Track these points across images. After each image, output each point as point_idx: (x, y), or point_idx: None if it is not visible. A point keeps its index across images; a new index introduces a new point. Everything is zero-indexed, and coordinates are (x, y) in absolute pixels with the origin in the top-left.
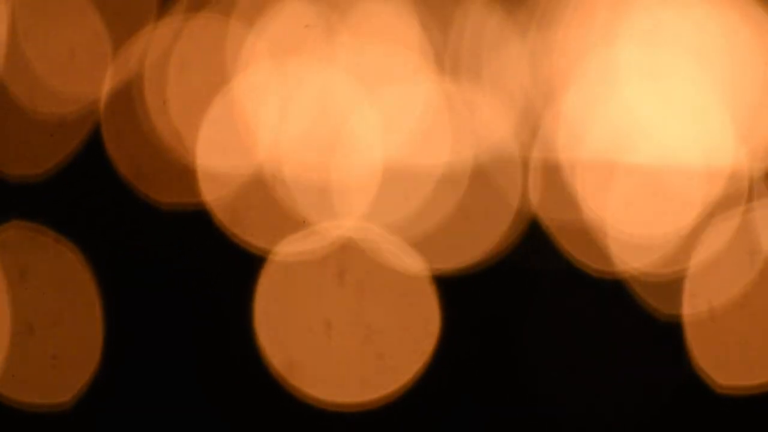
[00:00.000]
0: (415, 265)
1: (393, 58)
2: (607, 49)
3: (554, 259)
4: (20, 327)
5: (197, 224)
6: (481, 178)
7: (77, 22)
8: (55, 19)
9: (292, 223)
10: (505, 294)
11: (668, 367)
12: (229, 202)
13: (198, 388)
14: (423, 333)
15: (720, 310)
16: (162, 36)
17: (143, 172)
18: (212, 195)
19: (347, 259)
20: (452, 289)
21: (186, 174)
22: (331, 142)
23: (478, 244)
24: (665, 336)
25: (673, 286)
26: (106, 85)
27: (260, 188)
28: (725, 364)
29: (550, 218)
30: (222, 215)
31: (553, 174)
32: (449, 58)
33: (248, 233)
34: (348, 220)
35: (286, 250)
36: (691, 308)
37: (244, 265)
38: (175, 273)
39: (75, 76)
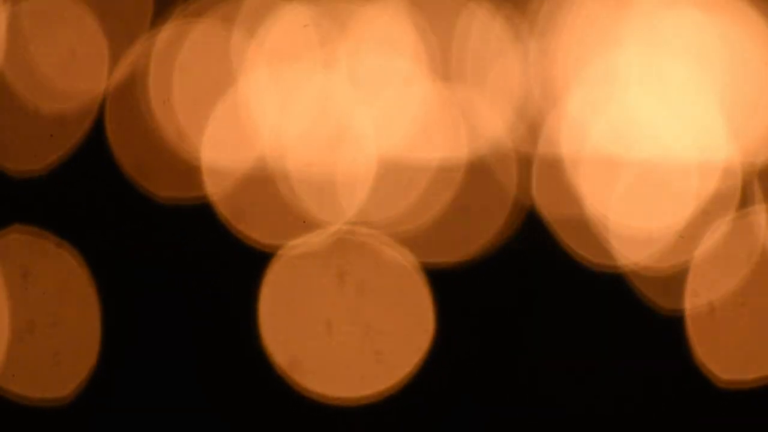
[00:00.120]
0: (412, 265)
1: (392, 57)
2: (606, 46)
3: (554, 254)
4: (22, 325)
5: (199, 220)
6: (480, 174)
7: (80, 20)
8: (58, 17)
9: (294, 219)
10: (505, 288)
11: (668, 361)
12: (231, 198)
13: (199, 383)
14: (419, 331)
15: (720, 304)
16: (164, 34)
17: (146, 168)
18: (214, 191)
19: (347, 261)
20: (452, 283)
21: (188, 170)
22: (331, 139)
23: (478, 238)
24: (665, 330)
25: (672, 280)
26: (109, 83)
27: (262, 184)
28: (725, 358)
29: (550, 213)
30: (224, 211)
31: (553, 169)
32: (448, 57)
33: (250, 229)
34: (348, 216)
35: (288, 250)
36: (690, 302)
37: (247, 261)
38: (178, 269)
39: (77, 73)
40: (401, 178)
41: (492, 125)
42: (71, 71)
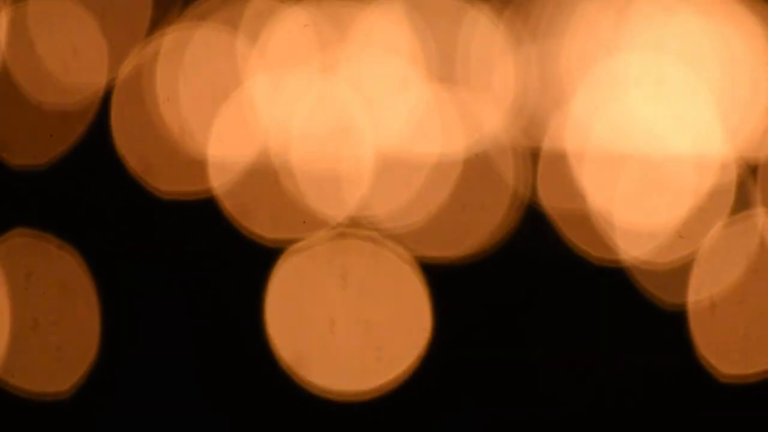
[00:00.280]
0: (411, 265)
1: (392, 58)
2: (606, 46)
3: (555, 249)
4: (25, 323)
5: (202, 215)
6: (481, 169)
7: (81, 18)
8: (60, 15)
9: (296, 214)
10: (506, 283)
11: (670, 355)
12: (235, 193)
13: (202, 378)
14: (418, 328)
15: (720, 299)
16: (169, 36)
17: (149, 163)
18: (218, 186)
19: (349, 261)
20: (453, 279)
21: (191, 165)
22: (332, 137)
23: (480, 234)
24: (667, 325)
25: (674, 275)
26: (114, 81)
27: (264, 180)
28: (727, 352)
29: (552, 207)
30: (228, 206)
31: (555, 164)
32: (448, 57)
33: (253, 224)
34: (350, 212)
35: (292, 251)
36: (692, 297)
37: (251, 256)
38: (181, 264)
39: (78, 69)
40: (402, 174)
41: (492, 122)
42: (73, 67)
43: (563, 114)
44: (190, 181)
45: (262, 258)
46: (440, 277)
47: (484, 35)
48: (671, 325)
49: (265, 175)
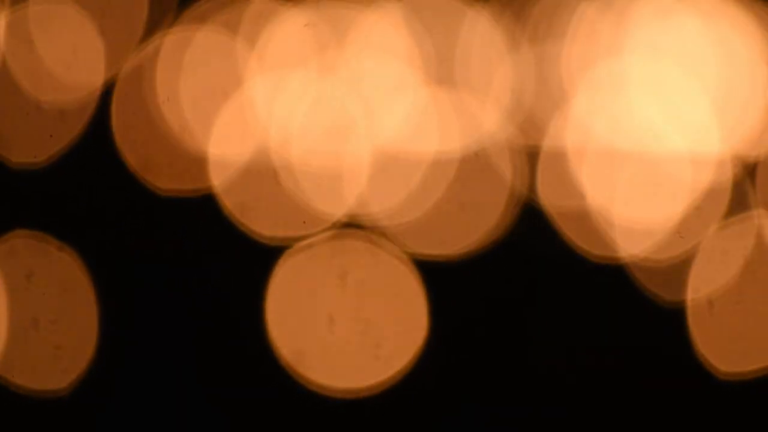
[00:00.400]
0: (408, 265)
1: (391, 59)
2: (605, 47)
3: (554, 246)
4: (26, 322)
5: (202, 213)
6: (480, 167)
7: (80, 19)
8: (60, 16)
9: (295, 211)
10: (505, 281)
11: (668, 352)
12: (234, 191)
13: (202, 375)
14: (415, 326)
15: (719, 296)
16: (169, 37)
17: (148, 161)
18: (217, 184)
19: (348, 261)
20: (452, 276)
21: (190, 163)
22: (331, 135)
23: (478, 231)
24: (665, 322)
25: (673, 272)
26: (114, 81)
27: (264, 178)
28: (725, 349)
29: (551, 205)
30: (227, 204)
31: (553, 162)
32: (447, 57)
33: (252, 221)
34: (349, 209)
35: (293, 251)
36: (690, 294)
37: (251, 254)
38: (180, 262)
39: (78, 68)
40: (400, 172)
41: (491, 120)
42: (72, 66)
43: (562, 113)
44: (189, 179)
45: (261, 256)
46: (439, 275)
47: (483, 37)
48: (670, 322)
49: (264, 174)
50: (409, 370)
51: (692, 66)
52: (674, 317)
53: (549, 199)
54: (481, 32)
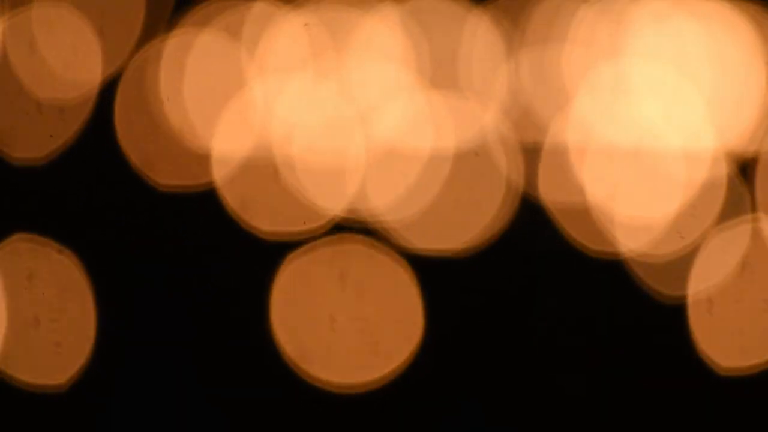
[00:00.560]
0: (405, 267)
1: (390, 61)
2: (604, 48)
3: (554, 242)
4: (27, 320)
5: (203, 210)
6: (480, 164)
7: (80, 21)
8: (61, 17)
9: (296, 209)
10: (504, 276)
11: (668, 347)
12: (234, 187)
13: (202, 372)
14: (410, 325)
15: (717, 292)
16: (172, 39)
17: (149, 157)
18: (218, 180)
19: (348, 264)
20: (451, 271)
21: (191, 159)
22: (331, 133)
23: (478, 227)
24: (665, 317)
25: (672, 268)
26: (110, 76)
27: (264, 174)
28: (724, 345)
29: (551, 201)
30: (228, 200)
31: (553, 159)
32: (445, 58)
33: (254, 218)
34: (348, 205)
35: (295, 251)
36: (690, 290)
37: (253, 251)
38: (182, 259)
39: (78, 67)
40: (399, 168)
41: (490, 118)
42: (72, 65)
43: (561, 111)
44: (190, 175)
45: (262, 252)
46: (438, 271)
47: (482, 39)
48: (669, 317)
49: (264, 170)
50: (406, 366)
51: (689, 66)
52: (674, 313)
53: (549, 195)
54: (481, 34)
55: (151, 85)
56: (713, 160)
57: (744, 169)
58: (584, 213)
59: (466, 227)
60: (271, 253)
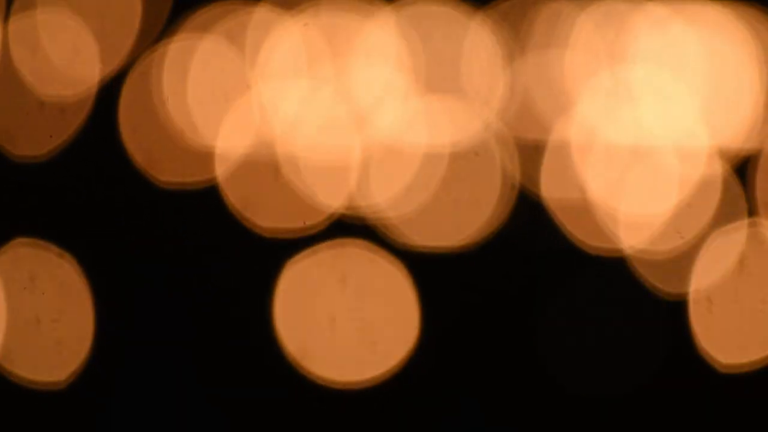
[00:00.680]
0: (402, 269)
1: (389, 65)
2: (603, 48)
3: (554, 239)
4: (29, 320)
5: (204, 207)
6: (479, 161)
7: (79, 23)
8: (63, 17)
9: (296, 205)
10: (504, 274)
11: (668, 345)
12: (236, 185)
13: (209, 369)
14: (407, 325)
15: (717, 289)
16: (173, 44)
17: (151, 154)
18: (220, 177)
19: (348, 267)
20: (450, 268)
21: (192, 156)
22: (331, 130)
23: (478, 224)
24: (665, 314)
25: (672, 265)
26: (109, 75)
27: (265, 172)
28: (724, 342)
29: (551, 198)
30: (230, 198)
31: (554, 156)
32: (444, 62)
33: (255, 216)
34: (347, 202)
35: (298, 259)
36: (690, 287)
37: (255, 249)
38: (184, 257)
39: (79, 66)
40: (399, 165)
41: (490, 116)
42: (72, 65)
43: (562, 111)
44: (191, 172)
45: (265, 250)
46: (437, 268)
47: (482, 43)
48: (669, 314)
49: (265, 167)
50: (403, 364)
51: (689, 70)
52: (674, 310)
53: (548, 193)
54: (481, 39)
55: (154, 85)
56: (711, 160)
57: (743, 169)
58: (584, 210)
59: (466, 225)
60: (273, 252)
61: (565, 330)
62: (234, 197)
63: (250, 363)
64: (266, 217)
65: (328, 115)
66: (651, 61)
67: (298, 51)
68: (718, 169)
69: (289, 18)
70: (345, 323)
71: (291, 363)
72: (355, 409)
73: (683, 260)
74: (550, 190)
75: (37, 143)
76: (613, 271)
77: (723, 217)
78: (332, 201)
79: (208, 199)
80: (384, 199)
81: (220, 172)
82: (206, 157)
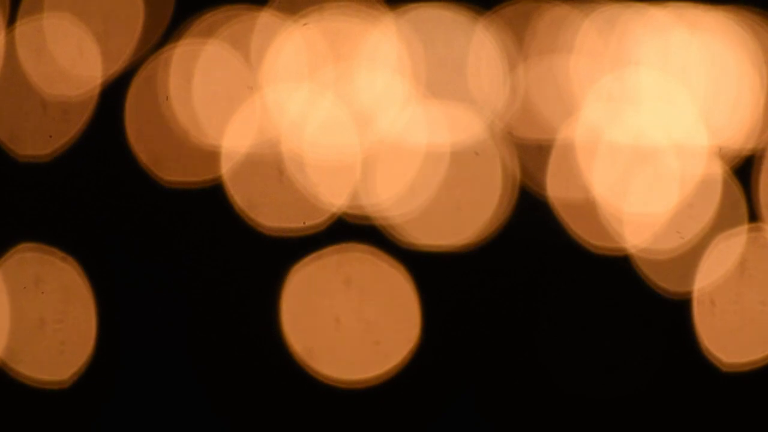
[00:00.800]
0: (403, 272)
1: (389, 69)
2: (605, 50)
3: (558, 238)
4: (34, 322)
5: (208, 207)
6: (482, 161)
7: (83, 21)
8: (65, 18)
9: (299, 204)
10: (507, 272)
11: (671, 344)
12: (240, 184)
13: (209, 367)
14: (409, 325)
15: (719, 289)
16: (178, 48)
17: (156, 154)
18: (225, 177)
19: (352, 270)
20: (454, 267)
21: (197, 156)
22: (332, 130)
23: (481, 223)
24: (669, 313)
25: (675, 264)
26: (111, 76)
27: (268, 172)
28: (728, 340)
29: (555, 198)
30: (234, 197)
31: (558, 156)
32: (445, 65)
33: (259, 215)
34: (349, 201)
35: (304, 263)
36: (693, 286)
37: (261, 248)
38: (185, 257)
39: (82, 66)
40: (402, 165)
41: (491, 115)
42: (75, 66)
43: (563, 111)
44: (196, 171)
45: (271, 250)
46: (441, 267)
47: (485, 48)
48: (672, 314)
49: (269, 167)
50: (405, 363)
51: (690, 74)
52: (677, 309)
53: (551, 192)
54: (484, 43)
55: (160, 86)
56: (712, 162)
57: (744, 171)
58: (587, 210)
59: (468, 224)
60: (278, 252)
61: (568, 329)
62: (238, 196)
63: (258, 362)
64: (270, 216)
65: (331, 116)
66: (653, 65)
67: (302, 55)
68: (719, 171)
69: (292, 22)
70: (349, 324)
71: (298, 362)
72: (358, 407)
73: (686, 260)
74: (554, 190)
75: (40, 143)
76: (617, 271)
77: (723, 218)
78: (335, 201)
79: (212, 198)
80: (386, 198)
81: (225, 171)
82: (211, 156)
